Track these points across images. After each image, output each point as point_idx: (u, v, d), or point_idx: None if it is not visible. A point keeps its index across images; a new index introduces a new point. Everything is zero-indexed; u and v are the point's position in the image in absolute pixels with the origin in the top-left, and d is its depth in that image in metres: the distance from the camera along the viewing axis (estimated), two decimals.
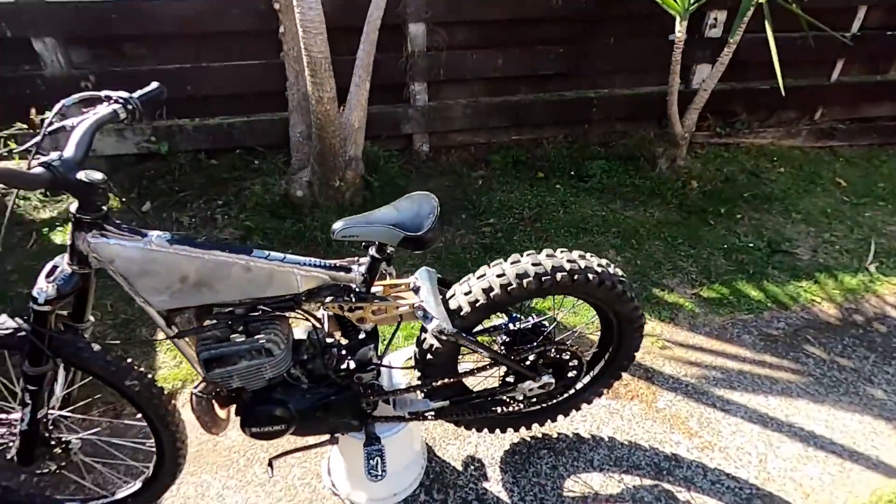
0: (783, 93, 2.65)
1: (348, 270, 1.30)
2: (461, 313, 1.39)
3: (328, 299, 1.29)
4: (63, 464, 1.40)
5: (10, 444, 1.33)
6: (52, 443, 1.36)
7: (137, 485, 1.53)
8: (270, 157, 3.25)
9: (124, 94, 1.21)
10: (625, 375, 2.08)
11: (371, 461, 1.40)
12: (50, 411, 1.36)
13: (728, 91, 3.72)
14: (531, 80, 3.54)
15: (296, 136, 2.99)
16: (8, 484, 1.58)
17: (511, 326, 1.55)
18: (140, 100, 1.24)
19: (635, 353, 1.65)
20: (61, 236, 2.78)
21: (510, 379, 1.55)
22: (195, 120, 3.23)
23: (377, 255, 1.29)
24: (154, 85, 1.32)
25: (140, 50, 3.01)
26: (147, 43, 3.02)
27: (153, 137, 3.12)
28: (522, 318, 1.58)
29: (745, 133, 3.82)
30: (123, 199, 3.01)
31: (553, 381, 1.53)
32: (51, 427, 1.38)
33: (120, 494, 1.55)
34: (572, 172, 3.42)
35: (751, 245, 2.87)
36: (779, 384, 2.09)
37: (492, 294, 1.37)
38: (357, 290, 1.31)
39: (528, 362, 1.51)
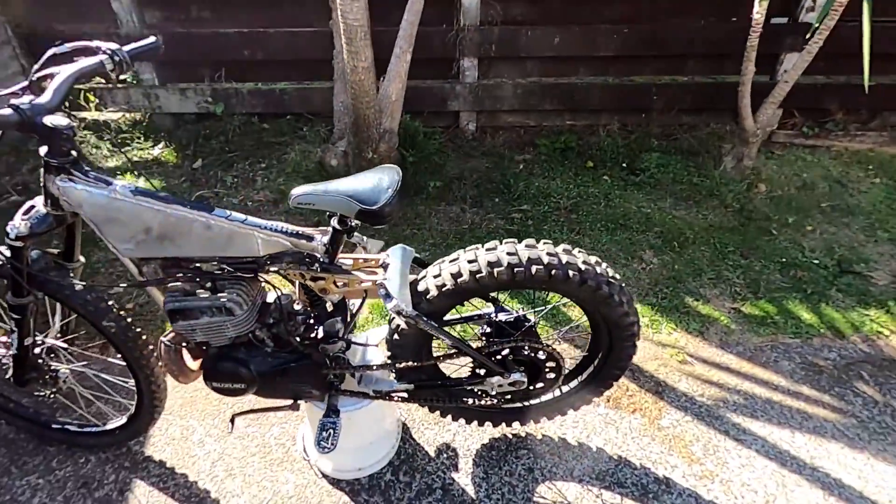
0: (866, 90, 2.25)
1: (311, 239, 1.28)
2: (427, 296, 1.33)
3: (290, 266, 1.28)
4: (54, 390, 1.53)
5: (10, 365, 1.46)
6: (43, 370, 1.48)
7: (123, 419, 1.64)
8: (317, 124, 3.31)
9: (113, 46, 1.25)
10: (631, 386, 1.95)
11: (324, 432, 1.39)
12: (46, 340, 1.47)
13: (821, 86, 3.28)
14: (590, 61, 3.31)
15: (338, 106, 3.01)
16: (24, 401, 1.76)
17: (493, 317, 1.46)
18: (130, 53, 1.28)
19: (626, 364, 1.50)
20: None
21: (480, 371, 1.47)
22: (257, 85, 3.35)
23: (338, 227, 1.26)
24: (150, 39, 1.35)
25: (203, 13, 3.15)
26: (211, 6, 3.15)
27: (210, 98, 3.28)
28: (508, 309, 1.49)
29: (839, 135, 3.34)
30: (179, 155, 3.21)
31: (524, 380, 1.43)
32: (47, 355, 1.50)
33: (110, 426, 1.67)
34: (624, 164, 3.18)
35: (816, 262, 2.52)
36: (812, 421, 1.83)
37: (459, 280, 1.29)
38: (320, 259, 1.28)
39: (499, 357, 1.42)
